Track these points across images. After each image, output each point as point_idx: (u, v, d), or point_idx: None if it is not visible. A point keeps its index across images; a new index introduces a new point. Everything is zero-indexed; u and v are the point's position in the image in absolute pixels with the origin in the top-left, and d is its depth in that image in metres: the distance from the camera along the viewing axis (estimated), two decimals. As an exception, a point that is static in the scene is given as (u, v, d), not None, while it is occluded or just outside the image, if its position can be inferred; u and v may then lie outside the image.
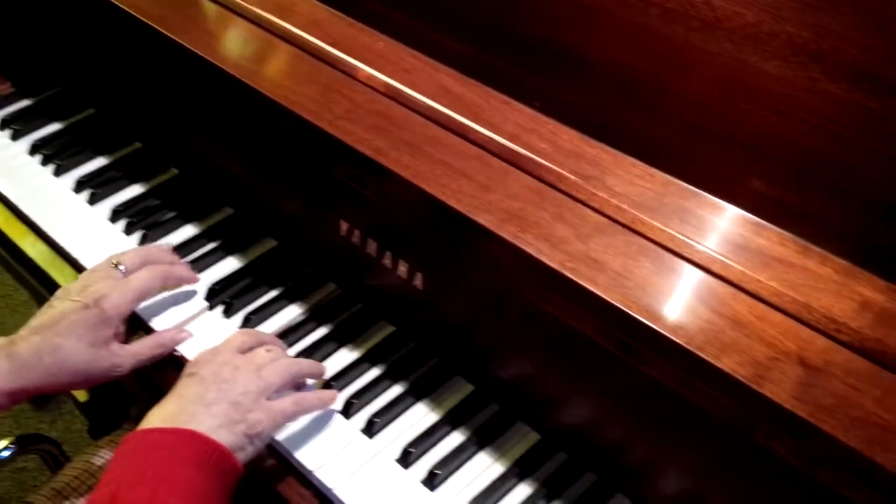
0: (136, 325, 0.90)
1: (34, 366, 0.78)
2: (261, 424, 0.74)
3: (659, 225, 0.67)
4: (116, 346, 0.83)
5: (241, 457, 0.73)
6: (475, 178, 0.73)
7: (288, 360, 0.81)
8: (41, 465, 1.68)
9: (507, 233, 0.68)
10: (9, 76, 1.20)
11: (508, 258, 0.69)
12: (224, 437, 0.71)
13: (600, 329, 0.66)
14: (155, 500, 0.65)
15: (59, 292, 0.85)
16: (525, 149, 0.73)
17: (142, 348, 0.84)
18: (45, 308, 0.83)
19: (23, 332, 0.81)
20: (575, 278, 0.65)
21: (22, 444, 1.06)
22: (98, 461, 0.98)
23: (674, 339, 0.61)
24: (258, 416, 0.74)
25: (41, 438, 1.08)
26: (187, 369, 0.78)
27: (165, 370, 0.87)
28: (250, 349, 0.80)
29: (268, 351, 0.80)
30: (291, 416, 0.78)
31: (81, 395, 1.58)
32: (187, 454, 0.69)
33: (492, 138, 0.75)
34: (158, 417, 0.72)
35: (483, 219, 0.70)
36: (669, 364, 0.63)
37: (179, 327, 0.89)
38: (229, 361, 0.77)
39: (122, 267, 0.87)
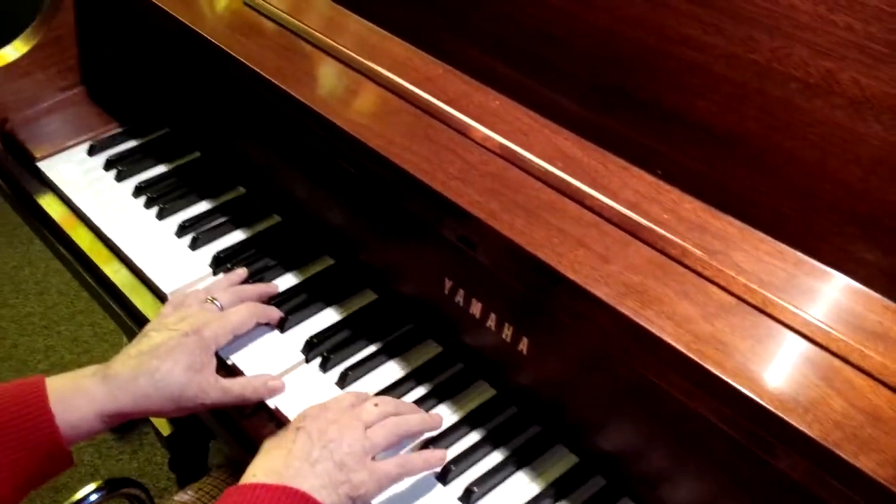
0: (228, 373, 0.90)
1: (130, 388, 0.79)
2: (364, 486, 0.73)
3: (791, 307, 0.64)
4: (209, 374, 0.83)
5: None
6: (593, 247, 0.71)
7: (396, 419, 0.80)
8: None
9: (626, 308, 0.66)
10: (116, 116, 1.23)
11: (626, 334, 0.66)
12: (326, 498, 0.71)
13: (724, 415, 0.63)
14: None
15: (153, 323, 0.87)
16: (646, 218, 0.71)
17: (232, 384, 0.84)
18: (140, 337, 0.85)
19: (119, 357, 0.82)
20: (701, 361, 0.62)
21: (111, 488, 1.06)
22: (186, 508, 0.98)
23: (808, 433, 0.58)
24: (362, 478, 0.73)
25: (129, 482, 1.09)
26: (294, 423, 0.77)
27: (254, 417, 0.86)
28: (358, 406, 0.80)
29: (375, 405, 0.80)
30: (396, 479, 0.76)
31: (164, 428, 1.60)
32: None
33: (610, 206, 0.72)
34: (263, 471, 0.72)
35: (601, 292, 0.67)
36: (801, 458, 0.59)
37: (273, 376, 0.88)
38: (337, 419, 0.77)
39: (217, 302, 0.89)
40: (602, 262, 0.69)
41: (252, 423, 0.86)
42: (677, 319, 0.65)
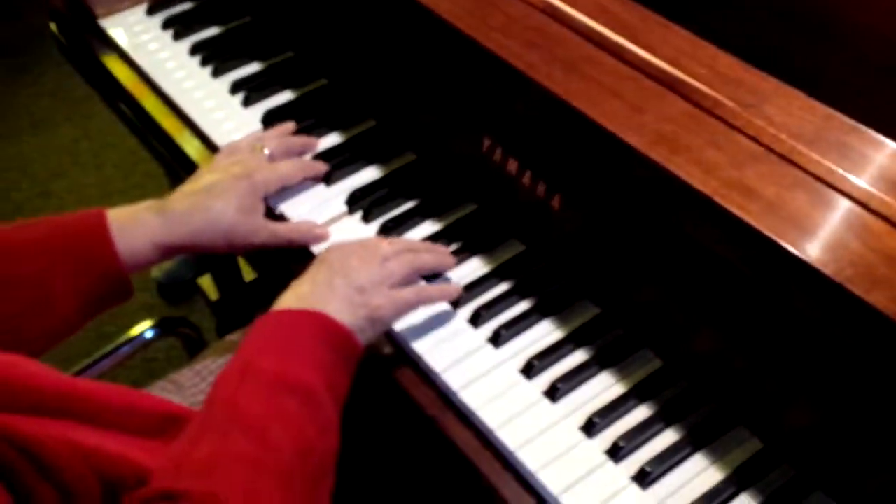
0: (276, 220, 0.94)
1: (185, 222, 0.84)
2: (382, 309, 0.78)
3: (816, 157, 0.65)
4: (259, 216, 0.88)
5: (362, 338, 0.77)
6: (628, 98, 0.72)
7: (412, 254, 0.84)
8: (169, 356, 1.79)
9: (657, 155, 0.68)
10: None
11: (656, 181, 0.68)
12: (347, 319, 0.76)
13: (748, 258, 0.66)
14: (283, 367, 0.70)
15: (208, 166, 0.92)
16: (682, 72, 0.72)
17: (280, 227, 0.90)
18: (194, 177, 0.90)
19: (174, 195, 0.87)
20: (726, 205, 0.64)
21: (164, 327, 1.13)
22: (234, 347, 1.04)
23: (823, 270, 0.60)
24: (380, 302, 0.78)
25: (183, 322, 1.15)
26: (319, 256, 0.83)
27: (300, 264, 0.90)
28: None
29: (391, 244, 0.84)
30: (413, 305, 0.82)
31: (213, 294, 1.67)
32: (314, 332, 0.74)
33: (648, 60, 0.74)
34: (290, 298, 0.78)
35: (633, 139, 0.70)
36: (817, 296, 0.62)
37: (319, 224, 0.93)
38: (356, 252, 0.81)
39: (266, 150, 0.93)
40: (636, 112, 0.71)
41: (304, 268, 0.90)
42: (705, 166, 0.67)
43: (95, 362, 1.11)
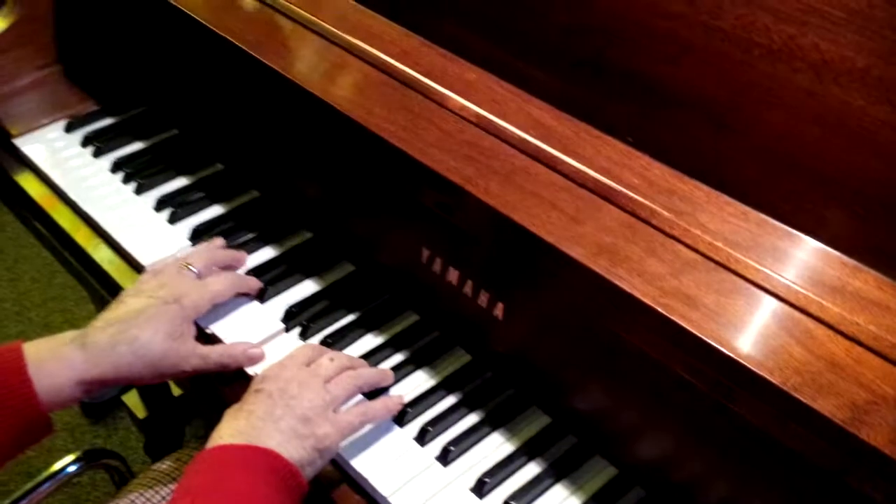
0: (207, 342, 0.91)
1: (109, 355, 0.80)
2: (329, 438, 0.75)
3: (754, 263, 0.67)
4: (189, 342, 0.85)
5: (310, 471, 0.74)
6: (565, 210, 0.73)
7: (353, 372, 0.83)
8: (93, 479, 1.70)
9: (598, 266, 0.68)
10: (93, 94, 1.23)
11: (598, 292, 0.69)
12: (293, 453, 0.73)
13: (690, 366, 0.66)
14: None
15: (130, 290, 0.87)
16: (617, 183, 0.74)
17: (212, 352, 0.86)
18: (116, 304, 0.85)
19: (97, 323, 0.82)
20: (668, 314, 0.65)
21: (89, 459, 1.07)
22: (163, 477, 0.99)
23: (770, 379, 0.61)
24: (326, 430, 0.75)
25: (107, 453, 1.10)
26: (254, 385, 0.79)
27: (235, 384, 0.88)
28: (314, 362, 0.82)
29: (331, 360, 0.82)
30: (358, 428, 0.79)
31: (140, 411, 1.60)
32: (258, 471, 0.70)
33: (582, 171, 0.75)
34: (228, 433, 0.74)
35: (574, 252, 0.70)
36: (762, 404, 0.62)
37: (253, 344, 0.90)
38: (295, 376, 0.79)
39: (193, 269, 0.90)
40: (574, 223, 0.72)
41: (233, 390, 0.87)
42: (646, 276, 0.67)
43: (16, 501, 1.04)
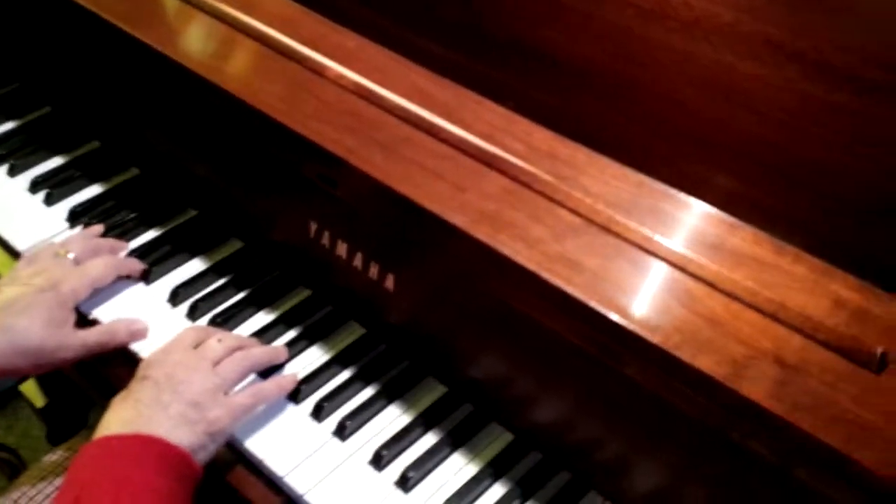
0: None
1: None
2: (221, 421, 0.74)
3: (634, 225, 0.67)
4: (68, 330, 0.81)
5: (203, 456, 0.72)
6: (448, 178, 0.72)
7: (243, 352, 0.80)
8: (-8, 471, 1.64)
9: (481, 233, 0.68)
10: (-40, 73, 1.16)
11: (483, 259, 0.68)
12: (184, 438, 0.71)
13: (576, 329, 0.66)
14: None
15: (5, 278, 0.84)
16: (499, 149, 0.73)
17: (90, 333, 0.82)
18: None
19: None
20: (551, 279, 0.65)
21: (-22, 452, 1.03)
22: (55, 469, 0.96)
23: (650, 339, 0.61)
24: (217, 413, 0.74)
25: (-2, 446, 1.05)
26: (140, 372, 0.76)
27: (113, 365, 0.84)
28: (202, 343, 0.79)
29: (219, 341, 0.80)
30: (251, 409, 0.77)
31: (38, 401, 1.55)
32: (147, 459, 0.69)
33: (465, 138, 0.74)
34: (115, 423, 0.71)
35: (457, 220, 0.69)
36: (646, 364, 0.63)
37: (134, 319, 0.86)
38: (182, 360, 0.76)
39: (70, 255, 0.86)
40: (458, 191, 0.71)
41: (116, 372, 0.84)
42: (529, 241, 0.67)
43: None
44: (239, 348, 0.81)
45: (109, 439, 0.70)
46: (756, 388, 0.59)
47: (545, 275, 0.65)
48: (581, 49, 0.73)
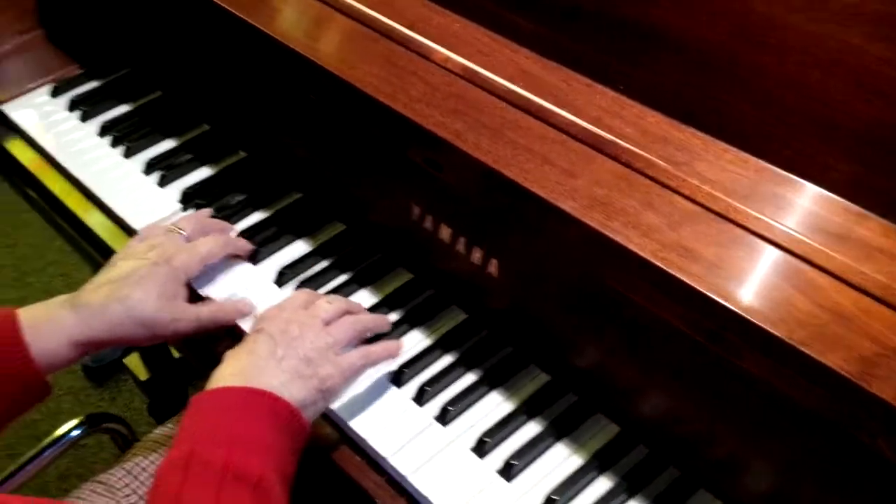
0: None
1: (101, 315, 0.79)
2: (332, 379, 0.75)
3: (754, 213, 0.64)
4: (181, 302, 0.84)
5: (312, 412, 0.74)
6: (558, 163, 0.71)
7: (352, 316, 0.82)
8: (100, 440, 1.71)
9: (593, 220, 0.66)
10: (76, 58, 1.20)
11: (594, 247, 0.67)
12: (295, 393, 0.72)
13: (690, 320, 0.64)
14: (230, 457, 0.65)
15: (121, 252, 0.87)
16: (610, 133, 0.71)
17: (202, 309, 0.85)
18: (109, 265, 0.85)
19: (88, 286, 0.82)
20: (667, 268, 0.63)
21: (92, 423, 1.07)
22: (166, 441, 0.98)
23: (775, 332, 0.58)
24: (329, 371, 0.75)
25: (110, 417, 1.09)
26: (255, 325, 0.78)
27: (224, 342, 0.86)
28: (312, 304, 0.81)
29: (329, 303, 0.81)
30: (360, 370, 0.78)
31: (142, 374, 1.60)
32: (260, 414, 0.70)
33: (574, 122, 0.72)
34: (229, 372, 0.73)
35: (567, 205, 0.68)
36: (767, 359, 0.60)
37: (243, 299, 0.88)
38: (295, 318, 0.78)
39: (183, 232, 0.89)
40: (568, 176, 0.69)
41: (221, 348, 0.86)
42: (643, 229, 0.65)
43: (22, 467, 1.04)
44: (348, 312, 0.82)
45: (223, 392, 0.71)
46: (886, 386, 0.56)
47: (660, 263, 0.63)
48: (697, 29, 0.70)
